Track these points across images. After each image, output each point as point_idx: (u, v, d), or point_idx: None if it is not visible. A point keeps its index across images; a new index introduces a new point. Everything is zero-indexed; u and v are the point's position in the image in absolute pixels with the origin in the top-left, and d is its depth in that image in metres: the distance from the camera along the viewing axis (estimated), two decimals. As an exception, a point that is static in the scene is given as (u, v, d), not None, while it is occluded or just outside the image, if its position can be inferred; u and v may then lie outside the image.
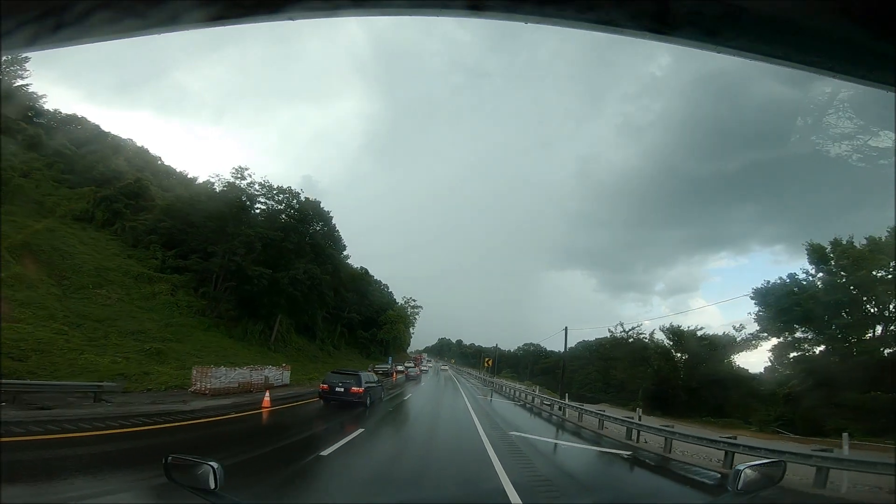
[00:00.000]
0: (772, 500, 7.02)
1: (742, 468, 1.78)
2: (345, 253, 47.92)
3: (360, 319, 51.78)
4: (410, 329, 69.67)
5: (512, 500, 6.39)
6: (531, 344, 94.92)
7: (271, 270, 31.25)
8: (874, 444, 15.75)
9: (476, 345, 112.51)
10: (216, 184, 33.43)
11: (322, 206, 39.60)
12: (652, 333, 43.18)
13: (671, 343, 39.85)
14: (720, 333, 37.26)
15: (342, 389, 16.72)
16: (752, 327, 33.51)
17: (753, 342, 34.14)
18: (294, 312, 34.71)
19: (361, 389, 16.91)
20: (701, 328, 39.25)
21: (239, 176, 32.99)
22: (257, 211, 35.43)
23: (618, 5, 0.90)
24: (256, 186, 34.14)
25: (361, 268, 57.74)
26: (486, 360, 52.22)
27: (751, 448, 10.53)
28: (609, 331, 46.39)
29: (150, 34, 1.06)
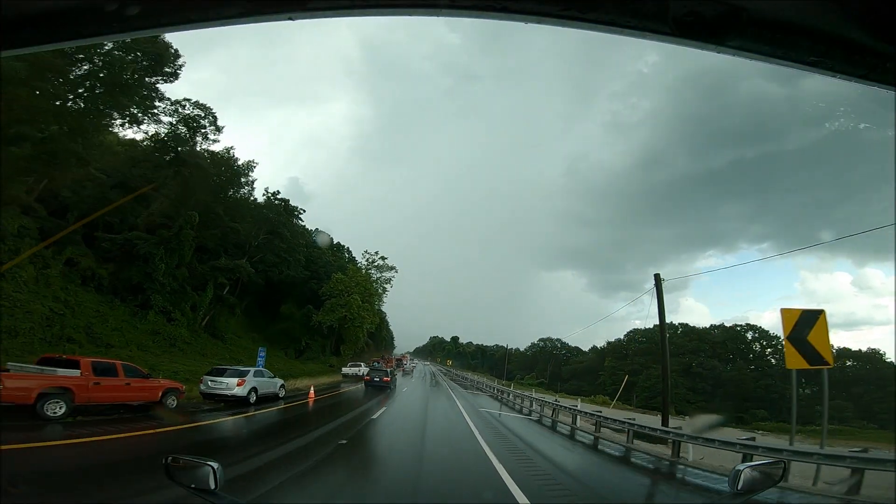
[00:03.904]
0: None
1: (742, 468, 1.77)
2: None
3: (265, 283, 31.05)
4: (379, 306, 43.36)
5: None
6: (547, 340, 78.40)
7: None
8: None
9: (475, 343, 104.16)
10: None
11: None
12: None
13: None
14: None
15: (378, 379, 25.60)
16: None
17: None
18: None
19: (389, 379, 26.51)
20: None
21: None
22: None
23: (618, 5, 0.90)
24: None
25: (280, 200, 35.17)
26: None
27: None
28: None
29: (151, 34, 1.06)
